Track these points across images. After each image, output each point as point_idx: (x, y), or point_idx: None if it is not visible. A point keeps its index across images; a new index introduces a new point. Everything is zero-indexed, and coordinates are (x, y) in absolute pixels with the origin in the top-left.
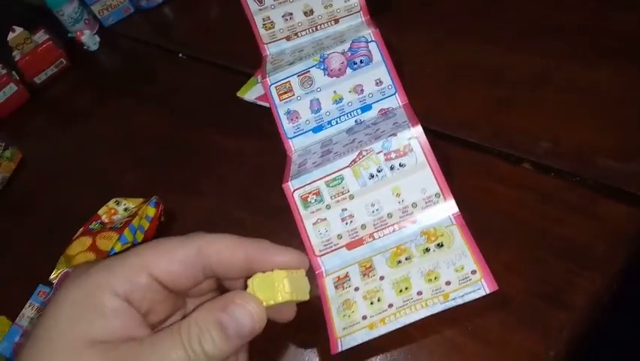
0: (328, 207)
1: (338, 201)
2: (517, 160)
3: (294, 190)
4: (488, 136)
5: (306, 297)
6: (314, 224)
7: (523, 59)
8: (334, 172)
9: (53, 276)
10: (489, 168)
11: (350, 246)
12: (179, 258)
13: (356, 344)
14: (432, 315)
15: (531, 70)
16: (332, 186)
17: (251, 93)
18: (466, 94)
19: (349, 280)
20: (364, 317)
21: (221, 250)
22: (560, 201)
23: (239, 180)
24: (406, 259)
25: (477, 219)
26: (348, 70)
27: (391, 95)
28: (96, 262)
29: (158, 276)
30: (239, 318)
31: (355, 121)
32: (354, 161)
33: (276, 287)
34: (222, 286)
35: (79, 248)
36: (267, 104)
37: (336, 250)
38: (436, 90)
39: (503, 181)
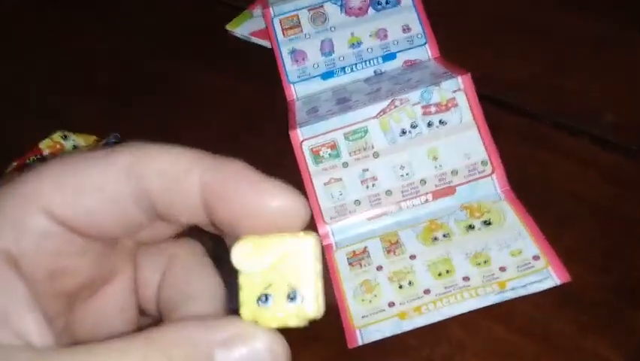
0: (345, 164)
1: (358, 158)
2: (577, 131)
3: (303, 140)
4: (543, 103)
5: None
6: (325, 184)
7: (580, 18)
8: (357, 123)
9: None
10: (545, 139)
11: (370, 214)
12: (95, 185)
13: (382, 337)
14: (480, 308)
15: (590, 32)
16: (352, 140)
17: (244, 27)
18: (515, 52)
19: (369, 256)
20: (392, 304)
21: (165, 169)
22: (632, 180)
23: (225, 126)
24: (444, 236)
25: (530, 197)
26: (371, 10)
27: (421, 46)
28: None
29: (60, 215)
30: None
31: (374, 71)
32: (383, 111)
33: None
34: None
35: None
36: (264, 42)
37: (351, 218)
38: (477, 45)
39: (562, 154)
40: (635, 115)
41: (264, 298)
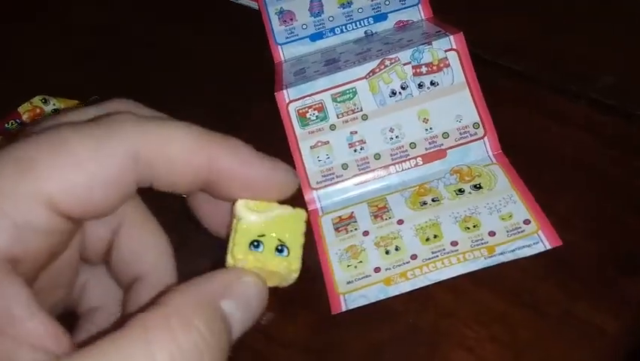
0: (333, 127)
1: (347, 121)
2: (575, 95)
3: (290, 102)
4: (539, 65)
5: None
6: (312, 147)
7: None
8: (345, 83)
9: None
10: (540, 102)
11: (358, 179)
12: (104, 175)
13: (367, 302)
14: (468, 274)
15: None
16: (340, 102)
17: None
18: (511, 14)
19: (355, 221)
20: (377, 269)
21: (176, 155)
22: (631, 145)
23: (210, 89)
24: (433, 200)
25: (523, 161)
26: None
27: (413, 6)
28: None
29: (62, 206)
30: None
31: (365, 32)
32: (373, 71)
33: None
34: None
35: None
36: (249, 3)
37: (338, 182)
38: (472, 6)
39: (557, 118)
40: (635, 78)
41: (256, 243)
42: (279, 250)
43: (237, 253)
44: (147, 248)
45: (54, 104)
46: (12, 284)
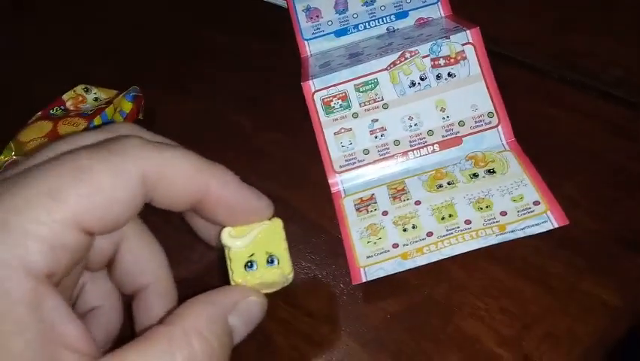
0: (355, 115)
1: (368, 109)
2: (583, 86)
3: (315, 91)
4: (549, 58)
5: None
6: (336, 134)
7: None
8: (367, 75)
9: None
10: (549, 93)
11: (379, 164)
12: (121, 196)
13: (385, 274)
14: (479, 251)
15: None
16: (363, 92)
17: None
18: (525, 10)
19: (375, 202)
20: (395, 245)
21: (177, 179)
22: (636, 133)
23: (238, 81)
24: (449, 183)
25: (534, 148)
26: None
27: (433, 4)
28: None
29: (87, 226)
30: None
31: (387, 29)
32: (393, 63)
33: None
34: None
35: (34, 134)
36: (278, 1)
37: (360, 167)
38: (488, 4)
39: (566, 108)
40: None
41: (249, 264)
42: (270, 261)
43: (237, 278)
44: (148, 260)
45: (95, 93)
46: (53, 296)
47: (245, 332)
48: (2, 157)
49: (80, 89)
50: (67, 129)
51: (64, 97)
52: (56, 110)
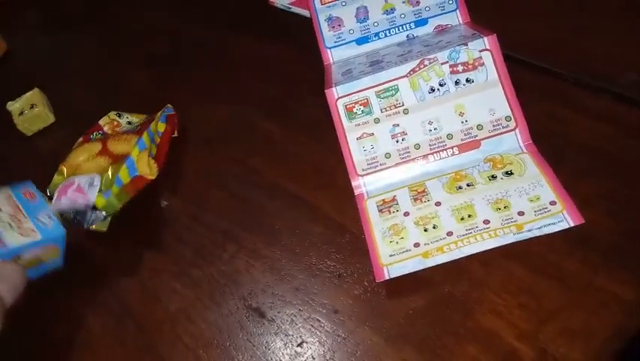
0: (377, 120)
1: (389, 115)
2: (598, 90)
3: (339, 98)
4: (565, 63)
5: None
6: (358, 139)
7: None
8: (388, 81)
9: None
10: (566, 97)
11: (400, 167)
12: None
13: (407, 272)
14: (497, 249)
15: None
16: (383, 98)
17: None
18: (539, 15)
19: (397, 204)
20: (417, 245)
21: None
22: None
23: (265, 89)
24: (468, 185)
25: (550, 150)
26: None
27: (452, 12)
28: None
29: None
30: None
31: (407, 36)
32: (413, 70)
33: None
34: None
35: (84, 155)
36: (302, 11)
37: (382, 170)
38: (504, 9)
39: (582, 111)
40: None
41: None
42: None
43: None
44: None
45: (127, 117)
46: None
47: (13, 296)
48: (56, 179)
49: (112, 114)
50: (120, 146)
51: (101, 122)
52: (96, 135)
